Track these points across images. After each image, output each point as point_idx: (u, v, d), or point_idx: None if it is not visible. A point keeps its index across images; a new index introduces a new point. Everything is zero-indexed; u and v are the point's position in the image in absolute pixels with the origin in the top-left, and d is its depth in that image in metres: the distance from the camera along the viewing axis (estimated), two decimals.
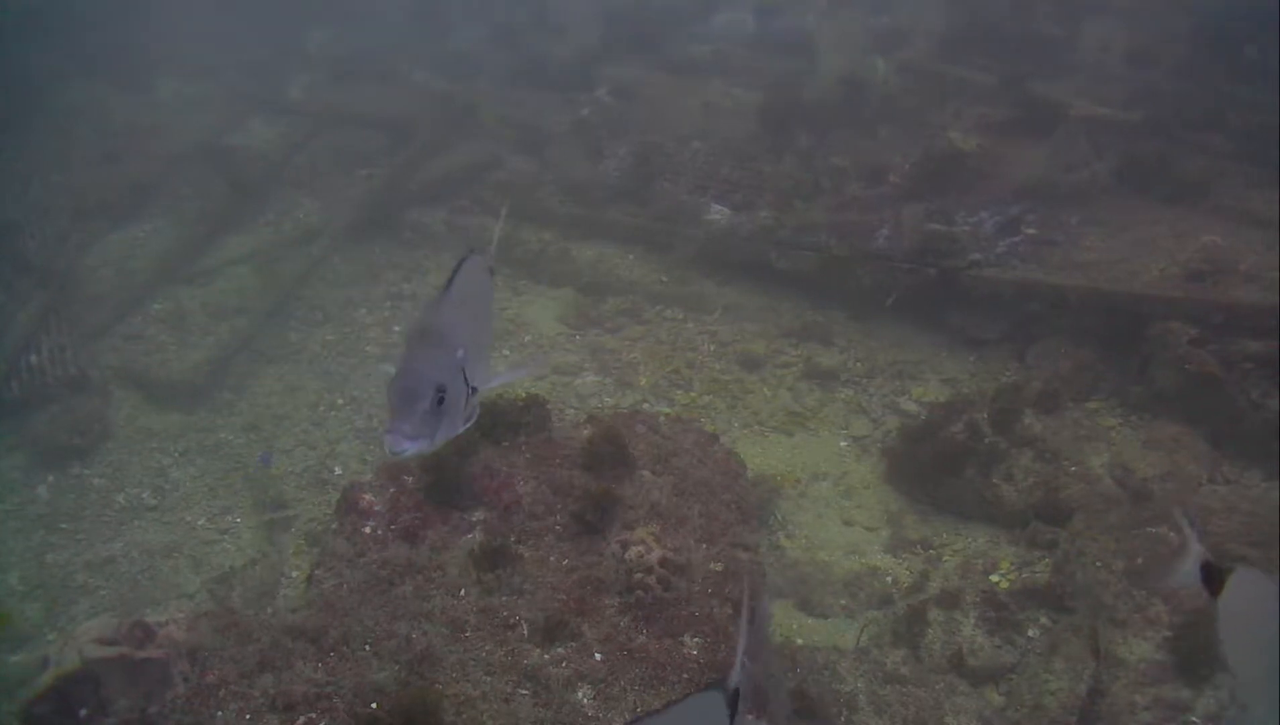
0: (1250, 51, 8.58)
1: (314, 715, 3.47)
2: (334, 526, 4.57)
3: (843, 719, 4.61)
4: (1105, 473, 6.07)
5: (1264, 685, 2.57)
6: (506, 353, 7.72)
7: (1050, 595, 5.28)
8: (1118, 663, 4.61)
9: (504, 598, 4.07)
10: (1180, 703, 4.38)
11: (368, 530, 4.46)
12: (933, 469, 6.25)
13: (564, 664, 3.79)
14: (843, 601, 5.67)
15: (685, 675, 3.80)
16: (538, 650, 3.85)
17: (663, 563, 4.15)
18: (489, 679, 3.69)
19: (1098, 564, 5.07)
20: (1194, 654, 4.46)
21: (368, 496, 4.59)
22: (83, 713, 3.44)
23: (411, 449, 2.62)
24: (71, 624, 5.79)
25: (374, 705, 3.49)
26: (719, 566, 4.35)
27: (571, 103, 10.99)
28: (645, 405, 7.22)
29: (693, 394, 7.41)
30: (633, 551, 4.19)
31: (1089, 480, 5.96)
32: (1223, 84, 8.98)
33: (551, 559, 4.29)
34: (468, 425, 2.87)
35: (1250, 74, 8.75)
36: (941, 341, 7.73)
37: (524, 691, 3.67)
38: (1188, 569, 2.88)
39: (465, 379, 2.75)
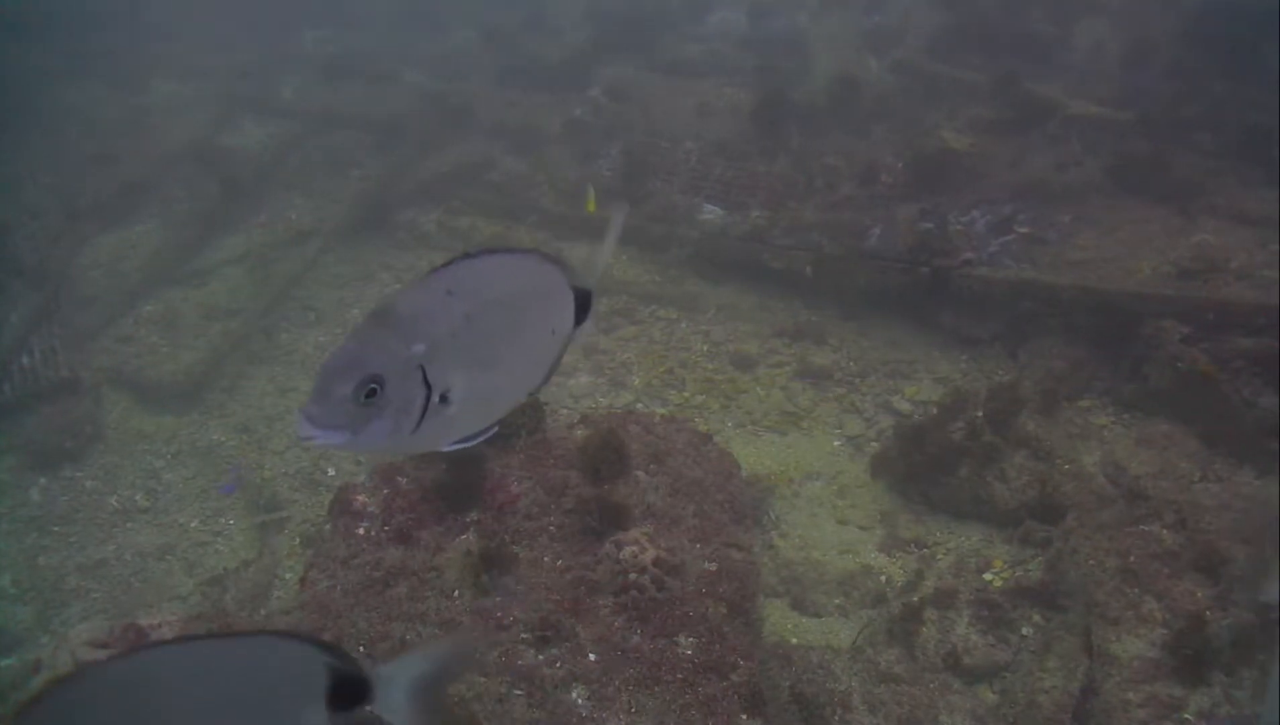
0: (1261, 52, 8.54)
1: None
2: (327, 528, 4.56)
3: (837, 718, 4.61)
4: (1098, 471, 6.08)
5: None
6: None
7: (1043, 593, 5.28)
8: (1111, 660, 4.61)
9: (498, 599, 4.06)
10: (1174, 701, 4.38)
11: (361, 531, 4.46)
12: (928, 468, 6.25)
13: (558, 664, 3.79)
14: (837, 600, 5.68)
15: (679, 675, 3.80)
16: (532, 651, 3.85)
17: (657, 563, 4.15)
18: (483, 680, 3.69)
19: (1091, 562, 5.08)
20: (1188, 653, 4.48)
21: (361, 498, 4.59)
22: None
23: (318, 439, 2.15)
24: (64, 627, 5.78)
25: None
26: (713, 566, 4.35)
27: (564, 103, 10.99)
28: (639, 405, 7.23)
29: (686, 394, 7.41)
30: (627, 551, 4.19)
31: (1082, 478, 5.97)
32: (1215, 83, 8.99)
33: (546, 559, 4.29)
34: (459, 446, 2.40)
35: (1243, 73, 8.77)
36: (934, 341, 7.73)
37: (518, 692, 3.66)
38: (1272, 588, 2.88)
39: (426, 382, 2.23)
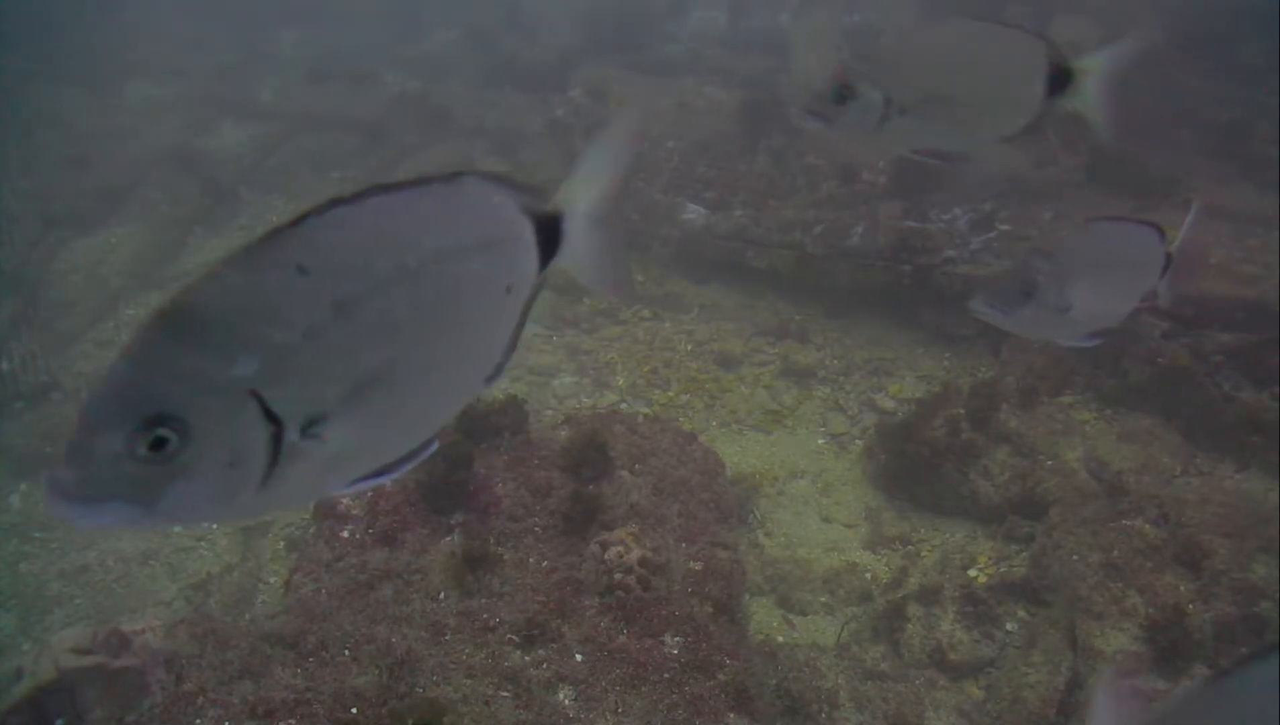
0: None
1: (294, 721, 3.45)
2: (312, 531, 4.55)
3: (824, 715, 4.62)
4: (1080, 466, 6.11)
5: None
6: None
7: (1028, 589, 5.31)
8: (1095, 654, 4.64)
9: (483, 600, 4.06)
10: (1157, 694, 4.41)
11: (346, 534, 4.44)
12: (912, 465, 6.27)
13: (544, 665, 3.78)
14: (822, 598, 5.69)
15: (666, 674, 3.80)
16: (518, 652, 3.84)
17: (642, 563, 4.15)
18: (470, 682, 3.68)
19: (1074, 557, 5.11)
20: (1171, 646, 4.51)
21: (345, 500, 4.57)
22: (59, 723, 3.41)
23: (79, 520, 1.38)
24: (46, 634, 5.72)
25: (354, 710, 3.48)
26: (698, 565, 4.36)
27: (545, 103, 10.98)
28: (623, 405, 7.22)
29: (670, 393, 7.41)
30: (612, 552, 4.19)
31: (1065, 474, 6.00)
32: (1194, 81, 9.06)
33: (531, 560, 4.28)
34: (367, 483, 1.64)
35: (1221, 70, 8.85)
36: (918, 338, 7.76)
37: (505, 694, 3.66)
38: None
39: (269, 413, 1.43)
